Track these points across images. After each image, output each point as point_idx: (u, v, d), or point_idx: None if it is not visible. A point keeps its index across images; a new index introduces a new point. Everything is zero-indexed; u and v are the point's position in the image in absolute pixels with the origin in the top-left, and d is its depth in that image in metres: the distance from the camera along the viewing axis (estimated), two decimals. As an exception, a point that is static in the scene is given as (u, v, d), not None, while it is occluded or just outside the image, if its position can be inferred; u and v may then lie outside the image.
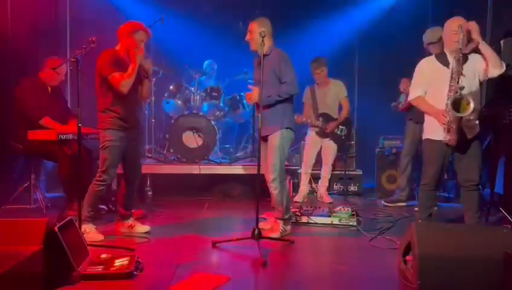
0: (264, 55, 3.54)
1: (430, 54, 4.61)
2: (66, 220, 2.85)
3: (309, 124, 5.25)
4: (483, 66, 3.38)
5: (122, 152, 3.61)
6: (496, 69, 3.35)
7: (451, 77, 3.25)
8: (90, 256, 2.94)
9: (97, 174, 3.58)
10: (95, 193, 3.56)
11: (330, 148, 5.28)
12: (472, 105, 3.15)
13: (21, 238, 2.49)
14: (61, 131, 4.19)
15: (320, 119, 5.20)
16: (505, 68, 3.39)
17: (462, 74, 3.21)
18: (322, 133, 5.23)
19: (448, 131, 3.28)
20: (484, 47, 3.36)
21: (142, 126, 5.90)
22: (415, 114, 4.66)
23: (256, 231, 3.31)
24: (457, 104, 3.20)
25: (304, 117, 5.19)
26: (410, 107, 4.69)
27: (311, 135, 5.29)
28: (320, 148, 5.33)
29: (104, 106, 3.54)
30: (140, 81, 3.69)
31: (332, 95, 5.24)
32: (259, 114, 3.35)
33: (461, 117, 3.21)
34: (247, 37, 3.76)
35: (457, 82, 3.21)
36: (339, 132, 5.27)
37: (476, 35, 3.33)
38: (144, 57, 3.55)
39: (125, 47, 3.56)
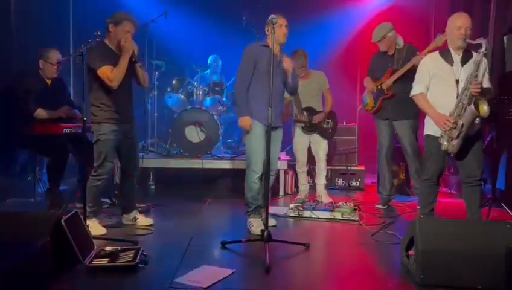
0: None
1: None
2: (71, 213, 2.88)
3: (293, 119, 4.89)
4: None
5: (116, 146, 3.61)
6: None
7: (472, 75, 3.21)
8: (95, 249, 2.97)
9: (93, 169, 3.58)
10: (92, 187, 3.56)
11: (319, 143, 4.93)
12: (486, 108, 3.12)
13: (28, 231, 2.52)
14: (65, 125, 4.19)
15: (305, 113, 4.86)
16: None
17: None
18: (309, 128, 4.91)
19: (450, 138, 3.25)
20: None
21: (145, 120, 5.94)
22: (389, 111, 4.49)
23: (265, 233, 3.13)
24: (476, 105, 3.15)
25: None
26: (380, 108, 4.54)
27: (298, 132, 4.95)
28: (310, 145, 5.01)
29: (96, 100, 3.52)
30: (134, 72, 3.62)
31: (315, 87, 4.89)
32: (271, 107, 3.16)
33: (462, 125, 3.18)
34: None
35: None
36: (325, 125, 4.94)
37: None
38: (133, 47, 3.49)
39: (113, 39, 3.52)
